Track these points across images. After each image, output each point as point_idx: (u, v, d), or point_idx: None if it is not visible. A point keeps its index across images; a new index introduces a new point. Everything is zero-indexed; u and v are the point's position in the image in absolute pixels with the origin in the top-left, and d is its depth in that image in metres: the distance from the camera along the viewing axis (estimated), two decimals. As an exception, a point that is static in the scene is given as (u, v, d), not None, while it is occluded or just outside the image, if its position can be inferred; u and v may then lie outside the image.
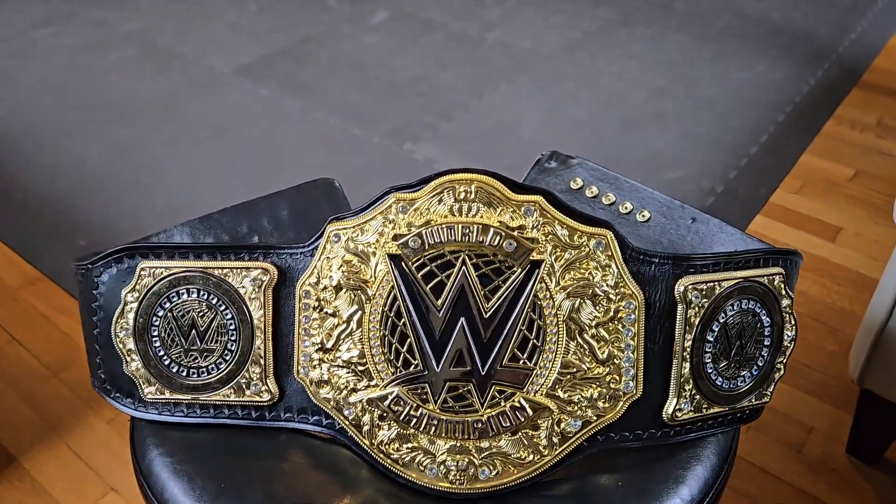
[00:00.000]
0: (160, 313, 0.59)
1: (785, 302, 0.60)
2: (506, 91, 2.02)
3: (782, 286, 0.59)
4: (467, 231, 0.54)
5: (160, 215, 1.53)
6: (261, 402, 0.59)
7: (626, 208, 0.75)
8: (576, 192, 0.79)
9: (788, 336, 0.61)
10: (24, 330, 1.27)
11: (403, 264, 0.55)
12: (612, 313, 0.55)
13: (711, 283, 0.56)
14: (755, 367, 0.59)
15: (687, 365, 0.56)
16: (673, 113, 1.91)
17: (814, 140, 1.80)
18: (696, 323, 0.55)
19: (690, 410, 0.57)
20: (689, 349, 0.56)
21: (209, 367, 0.59)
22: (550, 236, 0.54)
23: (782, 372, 0.61)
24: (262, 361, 0.58)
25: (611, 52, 2.20)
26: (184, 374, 0.59)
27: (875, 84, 2.04)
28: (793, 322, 0.61)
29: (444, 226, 0.54)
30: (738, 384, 0.59)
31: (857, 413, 1.01)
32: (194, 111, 1.92)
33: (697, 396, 0.57)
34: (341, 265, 0.56)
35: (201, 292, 0.58)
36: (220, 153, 1.76)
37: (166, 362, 0.59)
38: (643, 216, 0.75)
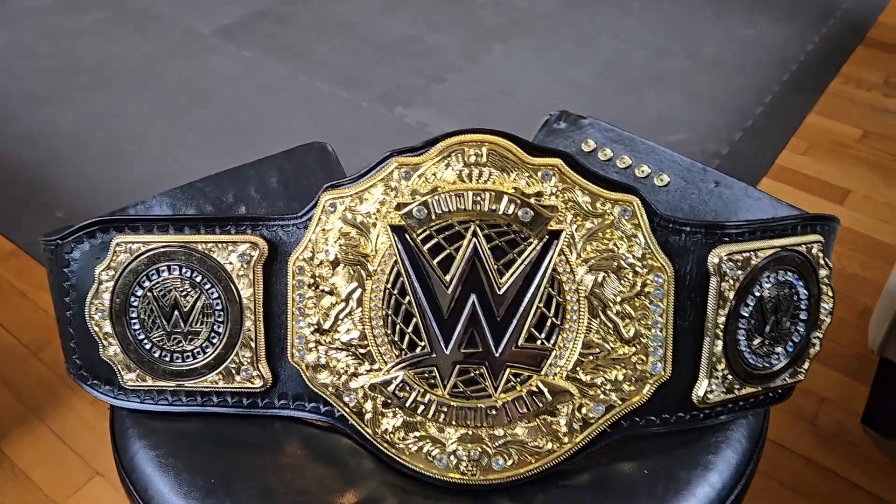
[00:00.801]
0: (139, 293, 0.53)
1: (823, 272, 0.55)
2: (500, 52, 1.94)
3: (820, 255, 0.54)
4: (478, 199, 0.49)
5: (141, 185, 1.46)
6: (252, 388, 0.53)
7: (642, 172, 0.70)
8: (588, 156, 0.73)
9: (826, 309, 0.56)
10: (0, 307, 1.21)
11: (408, 236, 0.49)
12: (638, 288, 0.50)
13: (748, 254, 0.51)
14: (790, 344, 0.55)
15: (720, 343, 0.51)
16: (674, 73, 1.85)
17: (819, 99, 1.75)
18: (731, 297, 0.50)
19: (722, 392, 0.52)
20: (722, 326, 0.51)
21: (195, 352, 0.53)
22: (571, 203, 0.49)
23: (818, 348, 0.57)
24: (252, 344, 0.53)
25: (609, 11, 2.13)
26: (167, 358, 0.54)
27: (881, 41, 1.98)
28: (830, 294, 0.56)
29: (452, 193, 0.49)
30: (773, 362, 0.54)
31: (875, 383, 0.98)
32: (173, 76, 1.84)
33: (730, 377, 0.52)
34: (338, 238, 0.51)
35: (184, 269, 0.52)
36: (201, 120, 1.69)
37: (147, 346, 0.54)
38: (661, 180, 0.69)
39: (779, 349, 0.54)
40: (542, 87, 1.81)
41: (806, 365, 0.57)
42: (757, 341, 0.53)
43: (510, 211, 0.49)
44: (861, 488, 0.97)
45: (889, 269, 1.26)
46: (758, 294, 0.52)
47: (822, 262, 0.54)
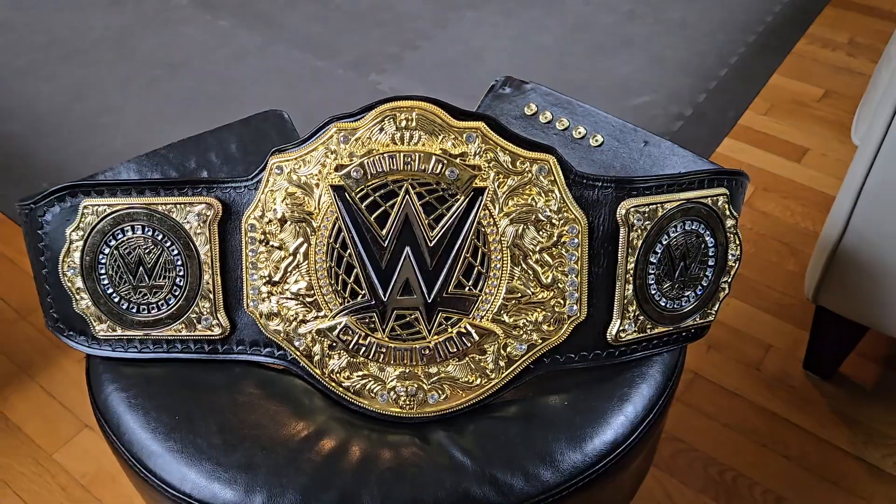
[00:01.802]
0: (106, 251, 0.58)
1: (729, 222, 0.60)
2: (471, 19, 1.97)
3: (727, 206, 0.60)
4: (409, 160, 0.54)
5: (119, 155, 1.50)
6: (212, 335, 0.59)
7: (579, 133, 0.75)
8: (530, 118, 0.78)
9: (733, 256, 0.61)
10: (-12, 274, 1.26)
11: (347, 195, 0.55)
12: (555, 238, 0.55)
13: (654, 206, 0.56)
14: (699, 287, 0.60)
15: (630, 287, 0.57)
16: (641, 37, 1.89)
17: (784, 61, 1.79)
18: (639, 245, 0.56)
19: (634, 331, 0.58)
20: (632, 271, 0.56)
21: (159, 304, 0.59)
22: (493, 163, 0.54)
23: (727, 291, 0.63)
24: (211, 296, 0.58)
25: (580, -25, 2.14)
26: (133, 310, 0.59)
27: (848, 1, 2.02)
28: (737, 242, 0.61)
29: (385, 155, 0.54)
30: (682, 304, 0.60)
31: (812, 329, 1.04)
32: (149, 47, 1.86)
33: (641, 317, 0.58)
34: (285, 197, 0.56)
35: (146, 229, 0.58)
36: (177, 90, 1.72)
37: (116, 299, 0.59)
38: (596, 140, 0.74)
39: (688, 292, 0.60)
40: (511, 53, 1.84)
41: (716, 307, 0.62)
42: (667, 285, 0.59)
43: (438, 170, 0.54)
44: (800, 427, 1.04)
45: (838, 224, 1.32)
46: (665, 242, 0.57)
47: (728, 212, 0.60)
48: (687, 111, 1.63)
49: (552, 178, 0.55)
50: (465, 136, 0.54)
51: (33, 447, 1.00)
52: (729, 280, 0.62)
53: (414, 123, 0.54)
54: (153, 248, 0.58)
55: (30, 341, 1.15)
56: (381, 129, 0.54)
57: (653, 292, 0.58)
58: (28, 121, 1.63)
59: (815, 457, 1.00)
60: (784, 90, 1.71)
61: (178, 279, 0.58)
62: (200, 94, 1.71)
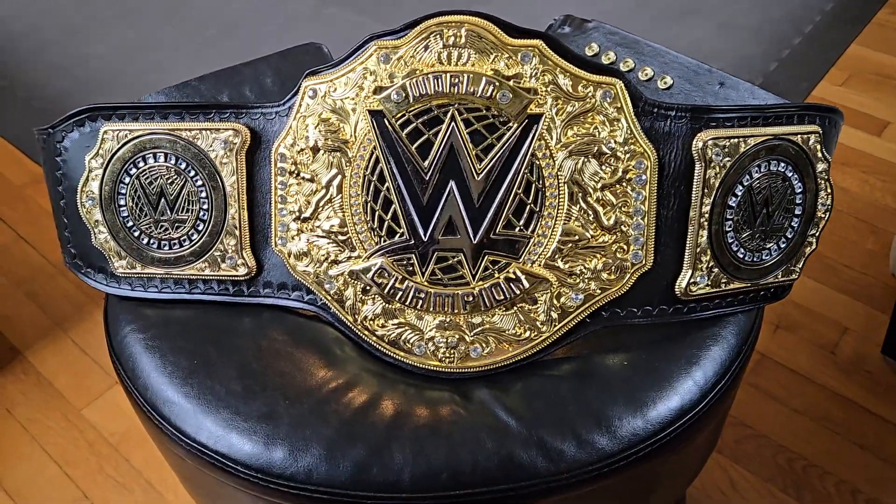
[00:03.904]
0: (126, 180, 0.54)
1: (821, 166, 0.53)
2: (531, -17, 1.89)
3: (818, 147, 0.52)
4: (456, 81, 0.48)
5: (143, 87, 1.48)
6: (237, 276, 0.54)
7: (646, 74, 0.68)
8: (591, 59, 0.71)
9: (823, 205, 0.54)
10: (30, 227, 1.24)
11: (386, 121, 0.49)
12: (620, 174, 0.48)
13: (735, 140, 0.49)
14: (783, 240, 0.53)
15: (704, 233, 0.50)
16: (708, 4, 1.78)
17: (864, 30, 1.66)
18: (717, 185, 0.49)
19: (707, 285, 0.51)
20: (707, 215, 0.49)
21: (181, 239, 0.54)
22: (551, 86, 0.48)
23: (814, 246, 0.55)
24: (237, 232, 0.53)
25: (645, -59, 2.04)
26: (154, 245, 0.55)
27: (935, -30, 1.87)
28: (829, 189, 0.54)
29: (430, 75, 0.48)
30: (763, 257, 0.53)
31: (895, 310, 0.95)
32: (201, 7, 1.84)
33: (716, 269, 0.51)
34: (318, 124, 0.50)
35: (169, 156, 0.53)
36: (228, 52, 1.69)
37: (136, 234, 0.55)
38: (665, 83, 0.67)
39: (770, 244, 0.53)
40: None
41: (800, 264, 0.55)
42: (746, 234, 0.51)
43: (489, 93, 0.48)
44: (877, 415, 0.95)
45: (924, 201, 1.21)
46: (746, 183, 0.50)
47: (820, 154, 0.52)
48: (757, 80, 1.52)
49: (618, 106, 0.48)
50: (520, 55, 0.48)
51: (63, 402, 0.98)
52: (817, 234, 0.55)
53: (463, 41, 0.48)
54: (176, 179, 0.53)
55: (66, 296, 1.13)
56: (426, 48, 0.48)
57: (730, 241, 0.51)
58: (81, 79, 1.62)
59: (893, 447, 0.91)
60: (864, 60, 1.59)
61: (202, 213, 0.53)
62: (253, 56, 1.68)
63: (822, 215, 0.54)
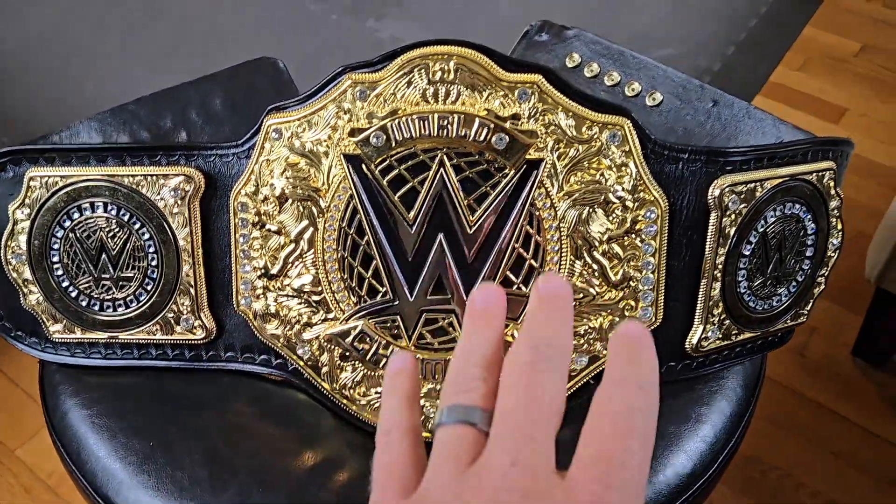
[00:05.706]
0: (59, 234, 0.46)
1: (833, 203, 0.49)
2: (481, -40, 1.82)
3: (831, 184, 0.48)
4: (445, 122, 0.42)
5: (91, 107, 1.36)
6: (195, 339, 0.48)
7: (633, 90, 0.63)
8: (572, 71, 0.66)
9: (833, 244, 0.50)
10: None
11: (364, 167, 0.43)
12: (628, 224, 0.44)
13: (752, 184, 0.44)
14: (794, 283, 0.49)
15: (717, 285, 0.45)
16: (664, -17, 1.74)
17: (818, 10, 1.65)
18: (732, 234, 0.45)
19: (718, 338, 0.47)
20: (721, 266, 0.45)
21: (127, 300, 0.47)
22: (552, 128, 0.42)
23: (823, 286, 0.52)
24: (192, 291, 0.47)
25: (596, -85, 1.99)
26: (96, 307, 0.48)
27: (883, -51, 1.87)
28: (839, 227, 0.50)
29: (415, 116, 0.42)
30: (774, 304, 0.49)
31: (869, 313, 0.94)
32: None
33: (727, 321, 0.47)
34: (285, 169, 0.44)
35: (109, 206, 0.46)
36: (156, 37, 1.57)
37: (73, 294, 0.47)
38: (654, 99, 0.62)
39: (781, 290, 0.49)
40: (523, 1, 1.70)
41: (809, 306, 0.51)
42: (758, 282, 0.47)
43: (482, 137, 0.42)
44: (848, 420, 0.94)
45: (886, 193, 1.21)
46: (761, 230, 0.46)
47: (833, 192, 0.49)
48: (716, 65, 1.50)
49: (626, 149, 0.43)
50: (517, 92, 0.42)
51: (-5, 443, 0.90)
52: (826, 274, 0.51)
53: (452, 76, 0.42)
54: (118, 232, 0.46)
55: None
56: (410, 83, 0.42)
57: (742, 291, 0.47)
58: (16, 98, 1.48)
59: (867, 454, 0.91)
60: (818, 43, 1.58)
61: (150, 270, 0.47)
62: (182, 41, 1.56)
63: (832, 254, 0.51)
